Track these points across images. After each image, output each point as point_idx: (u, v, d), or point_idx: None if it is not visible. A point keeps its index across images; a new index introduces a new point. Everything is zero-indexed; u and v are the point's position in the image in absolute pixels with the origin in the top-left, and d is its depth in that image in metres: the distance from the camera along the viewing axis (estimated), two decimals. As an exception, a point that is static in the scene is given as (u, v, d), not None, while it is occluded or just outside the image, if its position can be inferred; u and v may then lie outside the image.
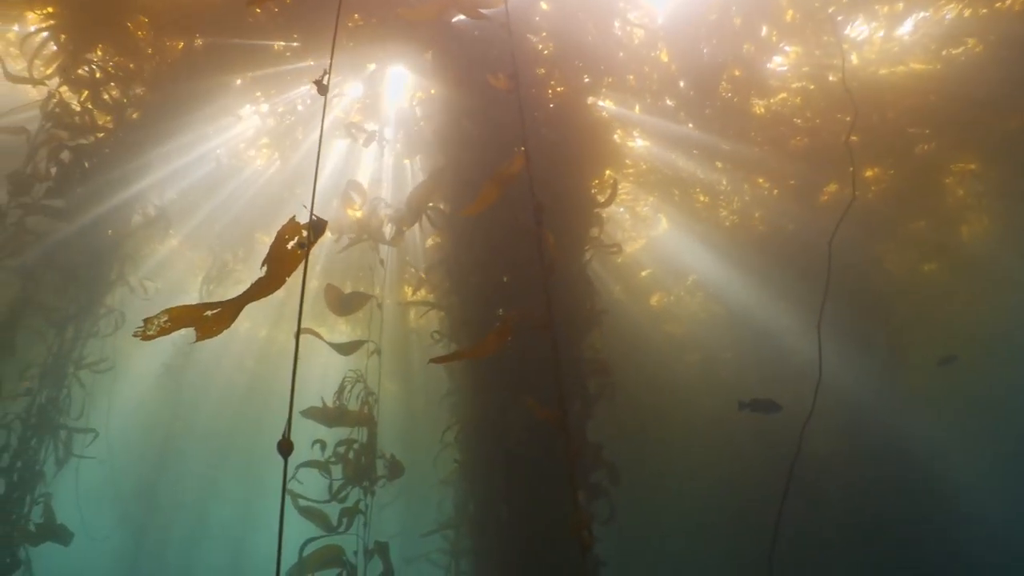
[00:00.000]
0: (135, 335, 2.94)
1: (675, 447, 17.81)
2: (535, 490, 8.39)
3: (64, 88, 10.16)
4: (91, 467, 11.09)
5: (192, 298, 17.69)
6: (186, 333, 3.23)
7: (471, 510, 9.58)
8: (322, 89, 3.73)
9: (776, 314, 16.52)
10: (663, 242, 17.04)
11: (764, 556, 6.15)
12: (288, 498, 8.03)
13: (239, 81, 11.59)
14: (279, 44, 10.62)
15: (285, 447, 3.13)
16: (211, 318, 3.09)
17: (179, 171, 12.74)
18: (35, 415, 9.71)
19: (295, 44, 10.63)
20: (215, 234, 15.88)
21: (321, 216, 3.34)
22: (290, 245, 3.34)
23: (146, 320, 2.96)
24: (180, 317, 3.04)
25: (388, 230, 10.56)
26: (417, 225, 10.16)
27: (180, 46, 10.89)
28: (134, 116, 10.72)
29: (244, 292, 3.25)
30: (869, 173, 14.70)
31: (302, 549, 8.41)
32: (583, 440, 8.64)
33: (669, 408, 17.73)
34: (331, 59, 3.74)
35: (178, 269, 18.32)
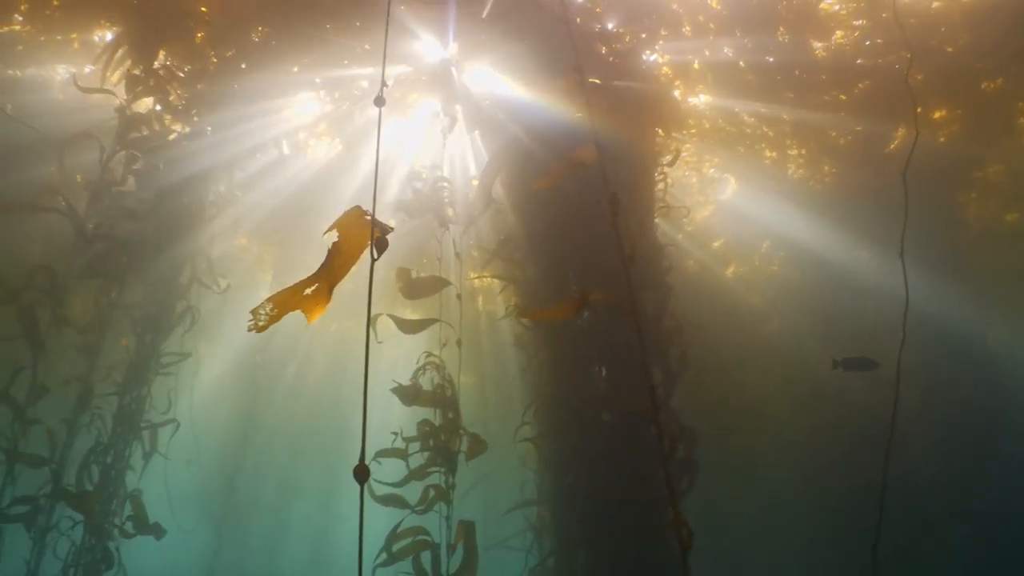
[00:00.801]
0: (250, 329, 2.95)
1: (764, 419, 17.36)
2: (615, 463, 8.32)
3: (133, 93, 10.45)
4: (174, 465, 11.41)
5: (263, 291, 18.11)
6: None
7: (551, 486, 9.56)
8: (379, 101, 3.71)
9: (854, 268, 15.96)
10: (733, 205, 16.64)
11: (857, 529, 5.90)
12: (368, 486, 8.11)
13: (296, 68, 11.76)
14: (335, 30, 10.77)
15: (361, 473, 3.01)
16: (311, 297, 3.05)
17: (244, 163, 12.97)
18: (122, 414, 10.03)
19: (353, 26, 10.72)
20: (280, 226, 16.25)
21: (378, 208, 3.28)
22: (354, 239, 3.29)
23: (253, 312, 2.96)
24: (285, 302, 3.02)
25: (454, 211, 10.51)
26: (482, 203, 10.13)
27: (238, 41, 11.11)
28: (200, 113, 10.99)
29: (323, 266, 3.20)
30: (937, 115, 14.04)
31: (389, 540, 8.42)
32: (669, 413, 8.47)
33: (753, 383, 17.27)
34: (382, 68, 3.66)
35: (246, 262, 18.77)
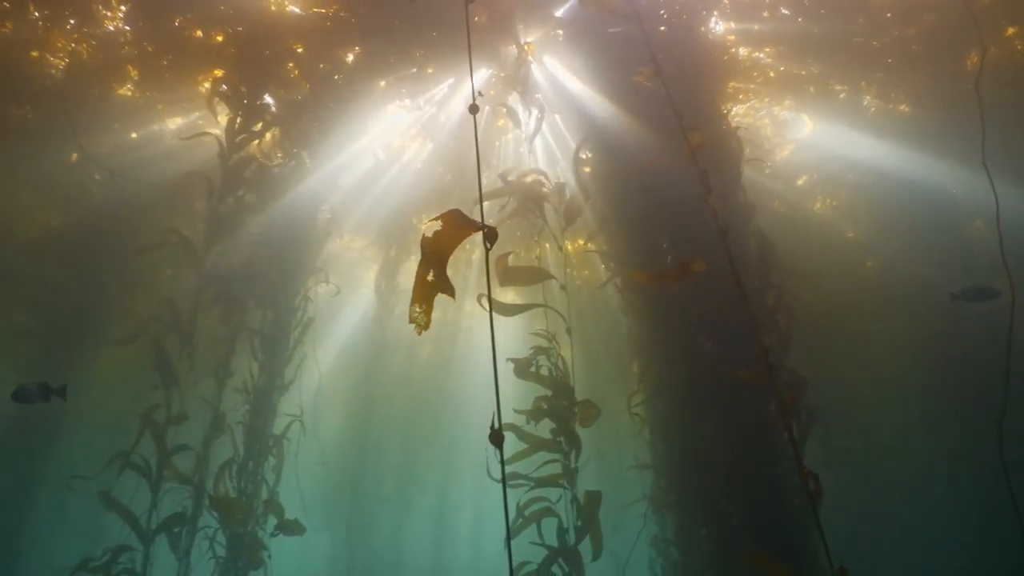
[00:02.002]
0: (418, 333, 3.30)
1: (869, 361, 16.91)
2: (730, 420, 8.39)
3: (235, 132, 11.31)
4: (303, 468, 12.08)
5: (368, 289, 18.89)
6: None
7: (666, 451, 9.71)
8: (473, 109, 4.00)
9: (943, 195, 15.36)
10: (812, 142, 16.32)
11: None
12: (490, 471, 8.45)
13: (383, 83, 12.49)
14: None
15: (496, 439, 3.35)
16: (434, 284, 3.37)
17: (344, 173, 13.72)
18: (253, 428, 10.77)
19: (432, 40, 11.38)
20: (380, 225, 17.04)
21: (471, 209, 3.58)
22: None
23: (410, 319, 3.33)
24: (426, 296, 3.34)
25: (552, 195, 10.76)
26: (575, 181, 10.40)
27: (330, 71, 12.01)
28: (300, 141, 11.74)
29: (425, 259, 3.52)
30: (1011, 31, 13.45)
31: (518, 512, 8.71)
32: (784, 375, 8.45)
33: (854, 321, 16.80)
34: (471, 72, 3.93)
35: (349, 260, 19.59)
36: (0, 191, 16.10)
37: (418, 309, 3.29)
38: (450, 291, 3.39)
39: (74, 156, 14.55)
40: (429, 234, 3.53)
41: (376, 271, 17.83)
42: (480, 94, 3.62)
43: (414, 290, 3.38)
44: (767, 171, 15.66)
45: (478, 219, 3.49)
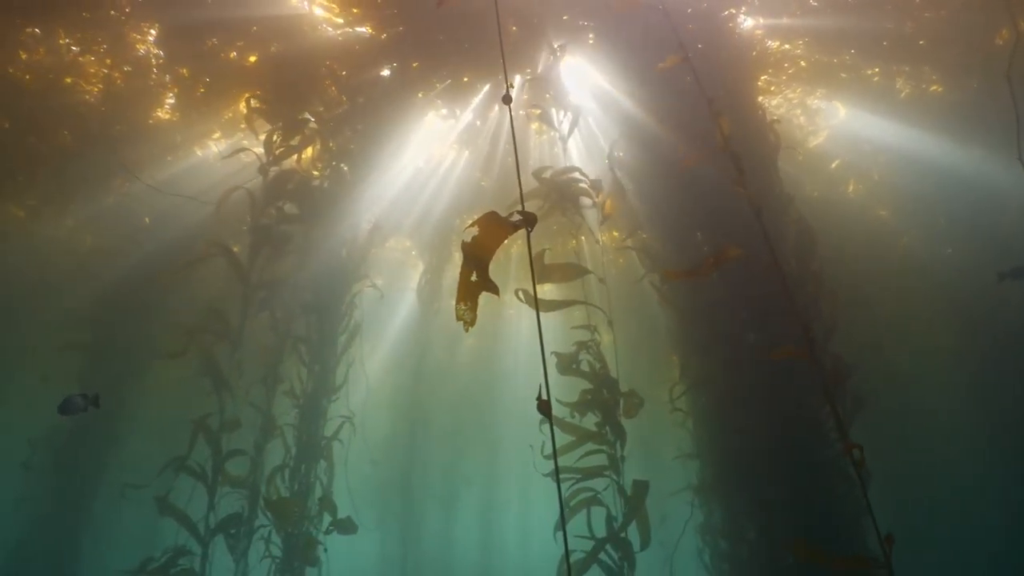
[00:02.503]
0: (465, 330, 3.44)
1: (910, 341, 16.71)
2: (775, 412, 8.42)
3: (275, 148, 11.64)
4: (355, 467, 12.31)
5: (412, 290, 19.22)
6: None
7: (710, 441, 9.75)
8: (507, 99, 4.14)
9: (987, 178, 15.10)
10: (846, 127, 16.19)
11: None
12: (537, 464, 8.59)
13: (421, 95, 12.77)
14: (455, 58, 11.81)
15: (544, 407, 3.47)
16: (478, 283, 3.51)
17: (386, 182, 14.01)
18: (304, 430, 11.04)
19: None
20: (423, 230, 17.34)
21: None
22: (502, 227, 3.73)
23: (458, 318, 3.44)
24: (470, 294, 3.49)
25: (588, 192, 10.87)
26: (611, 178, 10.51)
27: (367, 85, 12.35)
28: (339, 153, 12.11)
29: (467, 260, 3.66)
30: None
31: (563, 503, 8.82)
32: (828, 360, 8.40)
33: (892, 301, 16.59)
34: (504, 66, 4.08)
35: (393, 261, 19.94)
36: (47, 216, 16.76)
37: (463, 307, 3.43)
38: (494, 289, 3.53)
39: (120, 184, 15.13)
40: (469, 239, 3.67)
41: (420, 272, 18.14)
42: (512, 86, 3.79)
43: (458, 289, 3.53)
44: (800, 159, 15.55)
45: (516, 213, 3.63)
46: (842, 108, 15.83)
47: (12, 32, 11.90)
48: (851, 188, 17.99)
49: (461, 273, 3.62)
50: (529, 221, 3.54)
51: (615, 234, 15.45)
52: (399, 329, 21.83)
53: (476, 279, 3.61)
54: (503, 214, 3.71)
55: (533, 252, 9.91)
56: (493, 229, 3.71)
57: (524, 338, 24.44)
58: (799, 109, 15.68)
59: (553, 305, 9.46)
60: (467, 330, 3.45)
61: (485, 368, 27.54)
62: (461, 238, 3.70)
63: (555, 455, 3.45)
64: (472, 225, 3.70)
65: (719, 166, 5.05)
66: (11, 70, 12.56)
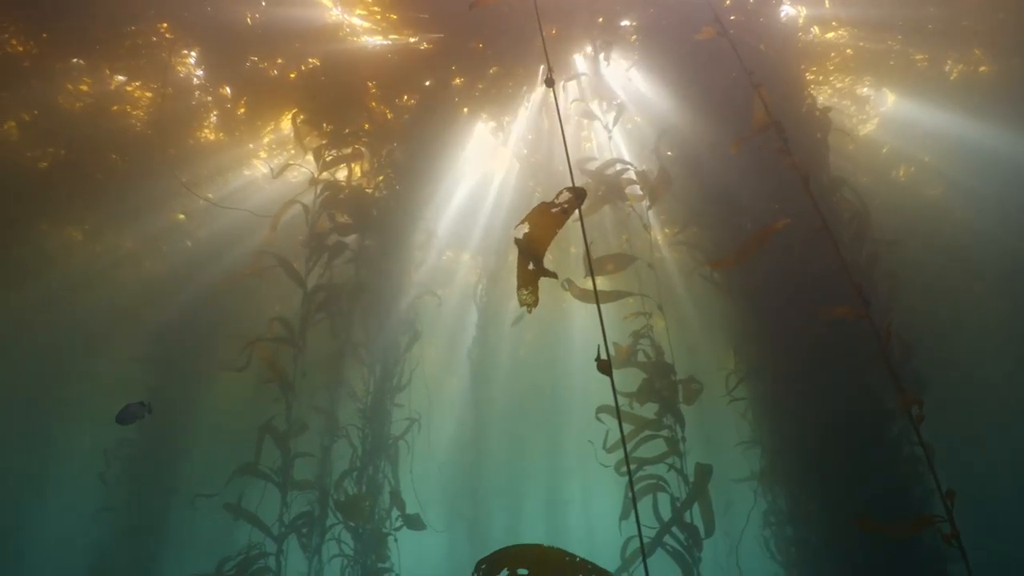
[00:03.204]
0: (527, 312, 3.61)
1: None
2: (837, 395, 8.37)
3: (322, 162, 11.94)
4: (424, 470, 12.53)
5: (468, 296, 19.50)
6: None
7: (772, 429, 9.70)
8: (550, 83, 4.26)
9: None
10: (895, 113, 15.92)
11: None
12: (595, 455, 8.64)
13: (466, 110, 12.98)
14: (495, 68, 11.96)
15: (606, 367, 3.57)
16: (534, 272, 3.65)
17: (438, 191, 14.28)
18: (371, 434, 11.30)
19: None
20: (478, 238, 17.68)
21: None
22: (554, 210, 3.86)
23: (521, 303, 3.66)
24: (530, 280, 3.65)
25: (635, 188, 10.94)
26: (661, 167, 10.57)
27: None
28: (386, 166, 12.43)
29: (523, 252, 3.80)
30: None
31: (626, 490, 8.84)
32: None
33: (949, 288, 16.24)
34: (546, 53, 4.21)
35: (447, 269, 20.25)
36: (107, 238, 17.44)
37: (525, 292, 3.57)
38: (551, 275, 3.66)
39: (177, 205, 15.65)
40: (521, 235, 3.81)
41: (477, 278, 18.50)
42: (551, 71, 3.89)
43: (518, 276, 3.67)
44: (851, 147, 15.35)
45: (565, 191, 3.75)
46: (891, 94, 15.61)
47: (59, 64, 12.41)
48: (901, 172, 17.71)
49: (519, 263, 3.76)
50: (579, 196, 3.66)
51: (667, 231, 15.46)
52: (459, 333, 22.16)
53: (533, 268, 3.75)
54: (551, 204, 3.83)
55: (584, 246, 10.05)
56: (543, 221, 3.85)
57: (581, 337, 24.51)
58: (848, 99, 15.51)
59: (607, 296, 9.55)
60: (529, 312, 3.59)
61: (545, 370, 27.67)
62: (514, 236, 3.84)
63: (622, 433, 3.55)
64: (523, 221, 3.84)
65: (767, 146, 5.09)
66: (60, 99, 13.13)
